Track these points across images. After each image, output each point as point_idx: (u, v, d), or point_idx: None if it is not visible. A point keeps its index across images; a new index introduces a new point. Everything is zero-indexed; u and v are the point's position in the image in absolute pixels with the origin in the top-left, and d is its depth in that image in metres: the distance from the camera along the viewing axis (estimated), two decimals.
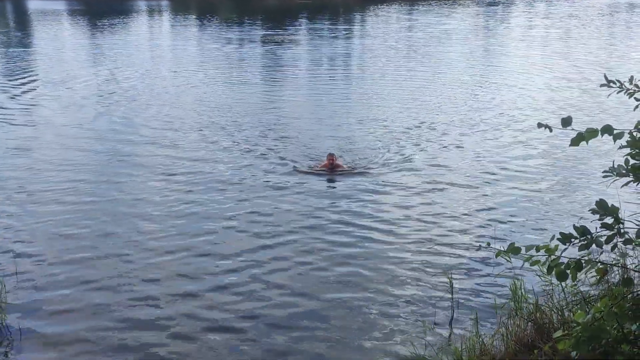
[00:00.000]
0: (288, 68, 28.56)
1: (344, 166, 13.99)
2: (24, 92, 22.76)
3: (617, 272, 6.24)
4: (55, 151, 15.35)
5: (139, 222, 11.03)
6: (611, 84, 4.44)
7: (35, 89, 23.42)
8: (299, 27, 46.03)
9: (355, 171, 13.79)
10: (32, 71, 27.45)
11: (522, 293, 7.21)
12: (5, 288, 8.12)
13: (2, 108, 20.13)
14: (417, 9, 59.56)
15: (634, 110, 4.45)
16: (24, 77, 25.75)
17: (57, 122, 18.34)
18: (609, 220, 3.68)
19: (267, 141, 16.10)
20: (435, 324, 7.85)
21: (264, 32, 42.72)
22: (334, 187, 12.89)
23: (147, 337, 7.59)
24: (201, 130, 17.32)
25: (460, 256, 9.73)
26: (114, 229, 10.73)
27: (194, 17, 55.00)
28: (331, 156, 13.85)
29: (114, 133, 17.06)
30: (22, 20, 53.31)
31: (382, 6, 62.91)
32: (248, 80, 25.48)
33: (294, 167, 14.12)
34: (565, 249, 3.66)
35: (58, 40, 39.02)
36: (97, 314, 8.12)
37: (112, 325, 7.86)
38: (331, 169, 13.67)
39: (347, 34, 42.25)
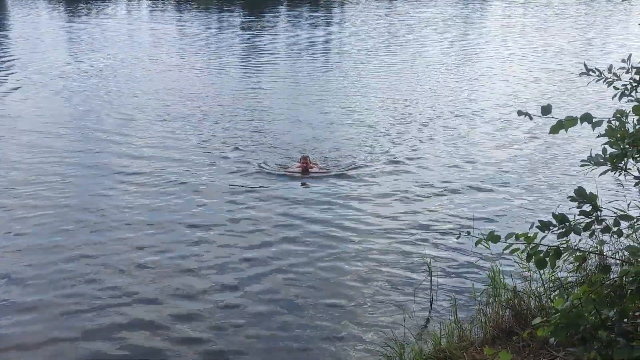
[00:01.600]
0: (265, 56, 28.28)
1: (319, 167, 13.06)
2: None
3: (595, 260, 6.30)
4: (29, 136, 15.20)
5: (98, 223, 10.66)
6: (590, 73, 4.47)
7: (10, 73, 23.06)
8: (278, 14, 45.72)
9: (331, 173, 12.83)
10: (6, 55, 27.02)
11: (500, 280, 7.27)
12: None
13: None
14: None
15: (612, 98, 4.49)
16: None
17: (30, 108, 18.10)
18: (587, 207, 3.70)
19: (237, 135, 15.44)
20: (414, 311, 7.88)
21: (243, 19, 42.41)
22: (308, 188, 12.17)
23: (123, 334, 7.56)
24: (169, 121, 16.70)
25: (439, 245, 9.77)
26: (83, 218, 10.69)
27: (172, 2, 54.44)
28: (305, 159, 12.89)
29: (87, 121, 16.88)
30: None
31: None
32: (224, 68, 25.23)
33: (260, 166, 13.17)
34: (544, 237, 3.68)
35: (34, 24, 38.47)
36: (71, 308, 8.08)
37: (84, 322, 7.83)
38: (304, 172, 12.70)
39: (326, 21, 42.05)
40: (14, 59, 26.05)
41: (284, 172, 12.88)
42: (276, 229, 10.29)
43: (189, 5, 52.05)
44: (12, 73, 23.19)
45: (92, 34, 33.90)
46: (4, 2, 53.81)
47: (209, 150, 14.35)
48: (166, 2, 54.92)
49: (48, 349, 7.15)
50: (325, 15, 45.40)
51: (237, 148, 14.38)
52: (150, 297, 8.23)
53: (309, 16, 44.58)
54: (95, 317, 7.73)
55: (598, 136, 4.01)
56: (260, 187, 12.12)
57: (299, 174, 12.68)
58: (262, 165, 13.24)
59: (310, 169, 12.73)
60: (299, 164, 12.91)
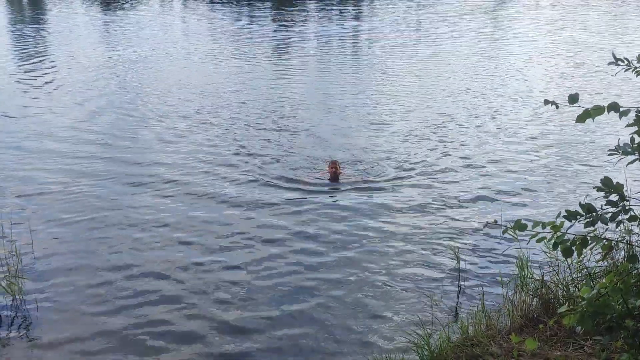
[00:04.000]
0: (294, 50, 28.25)
1: (348, 173, 12.24)
2: (36, 70, 22.72)
3: (622, 249, 6.23)
4: (68, 132, 15.41)
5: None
6: (619, 62, 4.40)
7: (47, 67, 23.37)
8: (307, 8, 45.64)
9: (359, 179, 12.04)
10: (44, 49, 27.40)
11: (528, 269, 7.21)
12: (21, 261, 8.18)
13: (17, 83, 20.22)
14: None
15: None
16: (37, 55, 25.74)
17: (67, 101, 18.32)
18: (614, 197, 3.66)
19: (264, 138, 14.61)
20: (442, 299, 7.87)
21: (272, 13, 42.46)
22: (337, 193, 11.53)
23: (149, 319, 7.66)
24: (194, 121, 16.12)
25: (467, 235, 9.72)
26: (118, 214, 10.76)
27: None
28: (334, 164, 12.00)
29: (119, 114, 16.97)
30: (35, 0, 53.13)
31: None
32: (253, 63, 24.96)
33: (288, 170, 12.47)
34: (570, 226, 3.64)
35: (70, 19, 38.92)
36: (108, 291, 8.19)
37: (123, 304, 7.95)
38: (333, 178, 11.89)
39: (355, 14, 41.95)
40: (50, 54, 26.41)
41: (311, 178, 12.04)
42: (308, 228, 10.06)
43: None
44: (49, 67, 23.51)
45: (126, 29, 34.23)
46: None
47: (234, 152, 13.64)
48: None
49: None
50: (354, 9, 45.25)
51: (263, 150, 13.71)
52: (177, 295, 8.27)
53: (338, 10, 44.48)
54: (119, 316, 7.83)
55: (626, 125, 3.95)
56: (288, 192, 11.48)
57: (327, 180, 11.94)
58: (289, 169, 12.55)
59: (339, 174, 11.98)
60: (327, 169, 12.13)
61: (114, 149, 13.79)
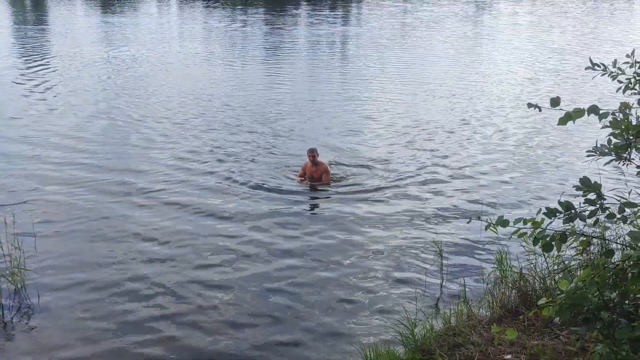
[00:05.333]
0: (284, 52, 28.17)
1: (326, 167, 11.68)
2: (35, 71, 22.53)
3: (598, 244, 6.27)
4: (67, 128, 15.32)
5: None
6: (596, 67, 4.42)
7: (46, 68, 23.17)
8: (299, 11, 45.57)
9: (340, 177, 11.87)
10: (44, 50, 27.19)
11: (507, 263, 7.24)
12: (24, 253, 8.14)
13: (17, 84, 20.06)
14: None
15: (617, 91, 4.44)
16: (38, 55, 25.56)
17: (69, 101, 18.21)
18: (592, 196, 3.68)
19: (253, 144, 14.08)
20: (425, 291, 7.89)
21: (265, 16, 42.37)
22: (320, 195, 11.26)
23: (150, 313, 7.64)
24: (180, 122, 15.85)
25: (450, 229, 9.76)
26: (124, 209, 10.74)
27: (199, 0, 54.49)
28: (311, 151, 11.54)
29: (115, 116, 16.88)
30: (38, 2, 52.76)
31: None
32: (245, 64, 24.91)
33: (272, 171, 12.24)
34: (550, 223, 3.66)
35: (71, 20, 38.66)
36: (110, 284, 8.17)
37: (124, 295, 7.92)
38: (313, 165, 11.49)
39: (344, 17, 41.94)
40: (49, 55, 26.22)
41: (294, 177, 11.87)
42: (294, 229, 9.91)
43: (215, 3, 52.08)
44: (48, 68, 23.35)
45: (124, 31, 34.04)
46: (44, 0, 54.17)
47: (223, 154, 13.29)
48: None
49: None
50: (343, 14, 45.23)
51: (253, 153, 13.41)
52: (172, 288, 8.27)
53: (328, 14, 44.43)
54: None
55: (603, 127, 3.97)
56: (272, 190, 11.33)
57: (306, 182, 11.61)
58: (280, 176, 12.13)
59: (317, 163, 11.53)
60: (306, 162, 11.72)
61: (110, 151, 13.61)
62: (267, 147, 13.89)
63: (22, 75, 21.57)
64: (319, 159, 11.62)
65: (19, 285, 7.74)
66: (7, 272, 7.75)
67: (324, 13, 44.30)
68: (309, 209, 10.76)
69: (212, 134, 14.83)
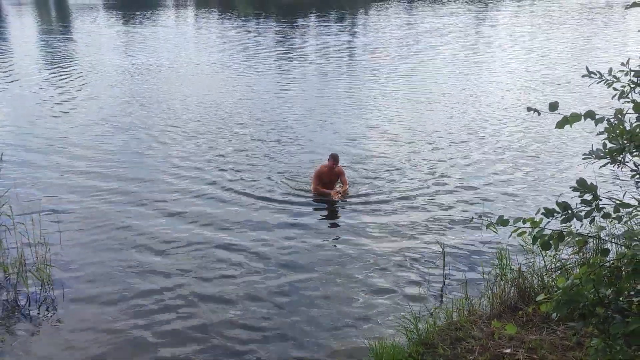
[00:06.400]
0: (294, 61, 28.07)
1: (342, 170, 11.34)
2: (61, 78, 22.70)
3: (593, 243, 6.24)
4: (92, 131, 15.39)
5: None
6: (592, 75, 4.41)
7: (69, 76, 23.34)
8: (308, 21, 45.58)
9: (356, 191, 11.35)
10: (67, 59, 27.35)
11: (507, 261, 7.23)
12: (50, 251, 8.19)
13: (42, 89, 20.19)
14: (413, 6, 59.04)
15: (612, 98, 4.43)
16: (63, 64, 25.73)
17: (91, 108, 18.33)
18: (588, 197, 3.67)
19: (262, 153, 13.73)
20: (429, 288, 7.88)
21: (278, 25, 42.41)
22: (327, 200, 10.99)
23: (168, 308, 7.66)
24: (195, 129, 15.81)
25: (452, 228, 9.73)
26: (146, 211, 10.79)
27: (215, 10, 54.64)
28: (334, 158, 11.08)
29: (135, 121, 17.05)
30: (63, 13, 53.07)
31: (382, 3, 62.35)
32: (257, 72, 24.79)
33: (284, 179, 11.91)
34: (548, 222, 3.65)
35: (94, 30, 38.82)
36: (134, 279, 8.20)
37: (146, 288, 7.96)
38: (329, 183, 11.06)
39: (351, 27, 41.93)
40: (73, 63, 26.38)
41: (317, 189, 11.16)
42: (306, 231, 10.00)
43: (230, 11, 52.23)
44: (72, 76, 23.51)
45: (144, 40, 34.19)
46: (68, 10, 54.48)
47: (236, 160, 13.17)
48: (210, 10, 55.15)
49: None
50: (350, 22, 45.20)
51: (266, 158, 13.29)
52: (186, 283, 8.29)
53: (335, 25, 44.40)
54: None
55: (598, 133, 3.97)
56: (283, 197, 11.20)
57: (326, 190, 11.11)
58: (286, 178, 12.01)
59: (338, 171, 11.18)
60: (324, 166, 11.25)
61: (127, 160, 13.52)
62: (282, 157, 13.52)
63: (47, 82, 21.74)
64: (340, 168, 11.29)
65: (45, 281, 7.79)
66: (34, 267, 7.80)
67: (332, 24, 44.28)
68: (318, 215, 10.61)
69: (227, 143, 14.63)
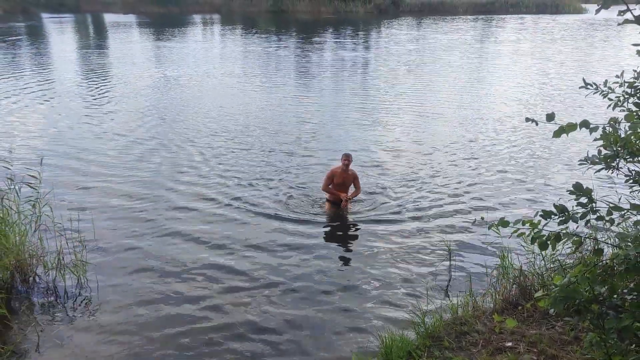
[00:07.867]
0: (313, 73, 28.01)
1: (356, 173, 10.78)
2: (98, 90, 22.91)
3: (589, 244, 6.19)
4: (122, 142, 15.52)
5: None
6: (588, 86, 4.40)
7: (108, 87, 23.57)
8: (325, 37, 45.60)
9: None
10: (103, 72, 27.55)
11: (509, 260, 7.19)
12: (85, 249, 8.26)
13: (81, 99, 20.40)
14: (422, 23, 58.92)
15: (607, 108, 4.41)
16: (99, 77, 25.95)
17: (124, 120, 18.47)
18: (584, 200, 3.65)
19: (272, 165, 13.26)
20: (435, 285, 7.85)
21: (296, 41, 42.50)
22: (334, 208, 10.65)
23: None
24: (212, 138, 15.71)
25: (457, 231, 9.69)
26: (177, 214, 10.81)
27: (239, 27, 54.91)
28: (347, 158, 10.39)
29: (163, 132, 17.10)
30: (100, 30, 53.60)
31: (394, 21, 62.27)
32: (275, 85, 24.57)
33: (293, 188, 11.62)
34: (546, 224, 3.64)
35: (128, 45, 39.15)
36: (157, 278, 8.24)
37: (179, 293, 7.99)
38: (342, 185, 10.51)
39: (364, 43, 41.89)
40: (109, 76, 26.57)
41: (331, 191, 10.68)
42: (315, 235, 10.14)
43: (252, 28, 52.45)
44: (108, 88, 23.71)
45: (174, 54, 34.40)
46: (104, 27, 55.04)
47: (255, 172, 12.77)
48: (234, 26, 55.43)
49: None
50: (363, 39, 45.18)
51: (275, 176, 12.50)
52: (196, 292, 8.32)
53: (350, 39, 44.38)
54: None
55: (594, 140, 3.96)
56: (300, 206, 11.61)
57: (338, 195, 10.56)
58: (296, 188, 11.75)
59: (352, 175, 10.63)
60: (332, 169, 10.76)
61: (155, 169, 13.68)
62: (297, 171, 12.96)
63: (84, 94, 21.93)
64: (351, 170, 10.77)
65: (81, 277, 7.85)
66: (71, 265, 7.86)
67: (347, 40, 44.25)
68: (328, 218, 10.47)
69: (247, 155, 14.26)
